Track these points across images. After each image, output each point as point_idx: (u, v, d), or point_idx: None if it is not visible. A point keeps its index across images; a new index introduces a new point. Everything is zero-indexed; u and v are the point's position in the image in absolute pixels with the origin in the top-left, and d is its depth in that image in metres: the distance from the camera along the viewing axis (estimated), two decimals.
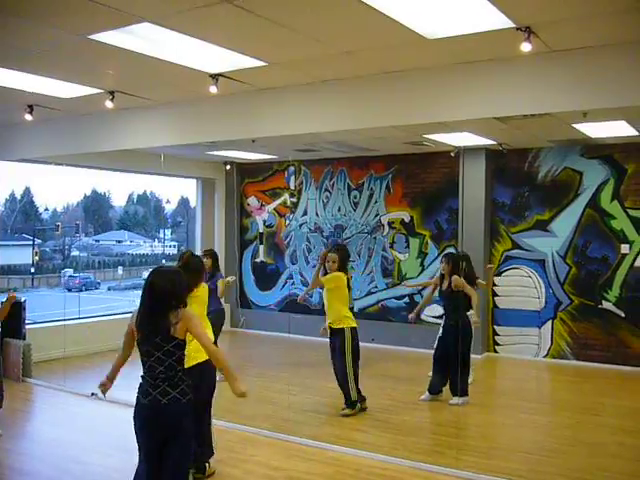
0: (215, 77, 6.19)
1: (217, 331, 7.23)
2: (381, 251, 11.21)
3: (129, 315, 4.11)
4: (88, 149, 8.46)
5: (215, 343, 5.25)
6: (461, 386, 7.38)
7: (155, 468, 3.91)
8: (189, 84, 6.61)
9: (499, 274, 10.28)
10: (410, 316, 8.17)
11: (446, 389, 7.58)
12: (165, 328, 3.86)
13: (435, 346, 7.75)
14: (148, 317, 3.91)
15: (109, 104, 7.01)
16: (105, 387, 4.20)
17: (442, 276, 7.74)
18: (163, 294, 3.92)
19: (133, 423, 3.96)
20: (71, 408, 7.56)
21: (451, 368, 7.43)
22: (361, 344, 7.16)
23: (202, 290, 5.40)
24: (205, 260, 8.26)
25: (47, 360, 9.33)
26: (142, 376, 3.96)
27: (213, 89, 6.24)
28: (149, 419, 3.90)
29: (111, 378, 4.21)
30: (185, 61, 5.80)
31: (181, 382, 3.91)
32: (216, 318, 7.33)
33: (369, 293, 11.28)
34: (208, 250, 8.84)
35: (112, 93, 6.94)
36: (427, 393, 7.71)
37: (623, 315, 9.41)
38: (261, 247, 12.65)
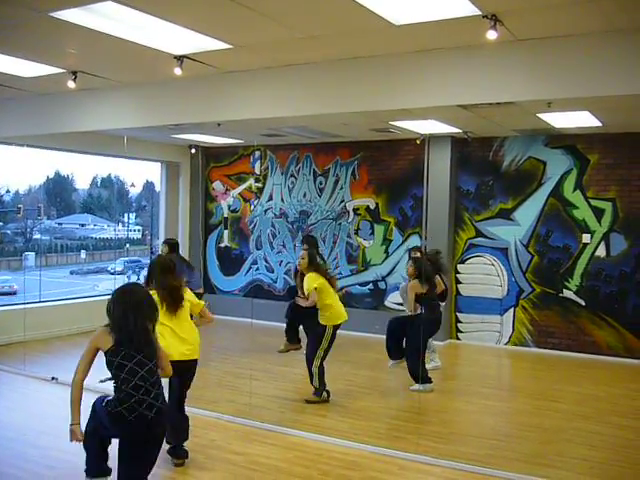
0: (180, 59, 6.13)
1: None
2: (346, 237, 11.22)
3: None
4: (50, 130, 8.33)
5: None
6: (423, 373, 7.44)
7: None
8: (153, 65, 6.52)
9: (462, 262, 10.37)
10: None
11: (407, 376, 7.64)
12: (154, 344, 4.00)
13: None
14: (141, 333, 3.94)
15: (71, 84, 6.90)
16: (77, 435, 3.94)
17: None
18: (151, 310, 4.05)
19: (114, 433, 3.99)
20: (31, 392, 7.47)
21: (415, 355, 7.52)
22: None
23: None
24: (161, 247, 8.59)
25: (7, 344, 9.22)
26: (126, 391, 3.85)
27: (177, 71, 6.18)
28: (140, 434, 3.90)
29: (78, 420, 3.94)
30: (149, 42, 5.73)
31: (161, 393, 3.98)
32: None
33: None
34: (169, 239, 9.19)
35: (74, 73, 6.84)
36: (391, 361, 7.86)
37: (583, 304, 9.55)
38: (226, 232, 12.58)
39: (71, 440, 3.94)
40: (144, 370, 3.87)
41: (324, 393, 7.07)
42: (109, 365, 3.89)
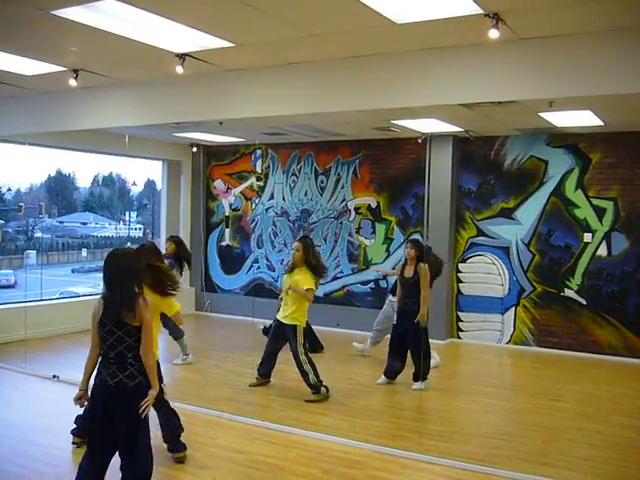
0: (181, 57, 6.12)
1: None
2: (347, 236, 11.21)
3: (93, 297, 4.07)
4: (52, 128, 8.33)
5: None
6: (424, 370, 7.43)
7: (98, 457, 3.97)
8: (155, 63, 6.52)
9: (463, 261, 10.37)
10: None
11: (408, 374, 7.63)
12: (123, 313, 3.86)
13: (392, 332, 7.83)
14: (108, 301, 3.90)
15: (73, 82, 6.89)
16: (82, 400, 4.05)
17: (405, 262, 7.79)
18: (120, 275, 3.91)
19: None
20: (32, 390, 7.46)
21: (412, 353, 7.51)
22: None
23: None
24: (168, 244, 8.35)
25: (7, 342, 9.20)
26: (102, 358, 3.97)
27: (179, 69, 6.17)
28: (100, 399, 3.91)
29: (86, 388, 4.05)
30: (151, 40, 5.72)
31: (130, 367, 3.91)
32: None
33: (335, 278, 11.27)
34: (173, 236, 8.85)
35: (76, 71, 6.83)
36: (383, 377, 7.78)
37: (584, 303, 9.54)
38: (227, 230, 12.58)
39: (75, 403, 4.06)
40: (122, 346, 3.87)
41: (323, 389, 7.04)
42: (97, 333, 3.93)
